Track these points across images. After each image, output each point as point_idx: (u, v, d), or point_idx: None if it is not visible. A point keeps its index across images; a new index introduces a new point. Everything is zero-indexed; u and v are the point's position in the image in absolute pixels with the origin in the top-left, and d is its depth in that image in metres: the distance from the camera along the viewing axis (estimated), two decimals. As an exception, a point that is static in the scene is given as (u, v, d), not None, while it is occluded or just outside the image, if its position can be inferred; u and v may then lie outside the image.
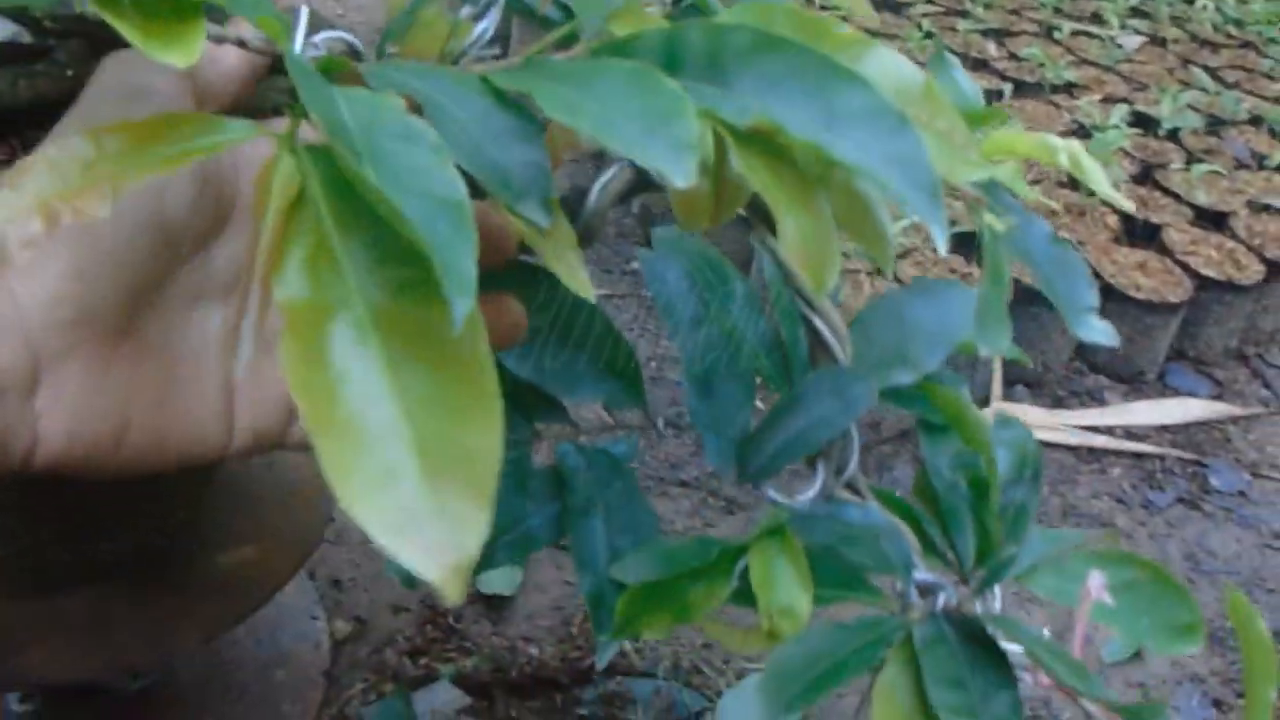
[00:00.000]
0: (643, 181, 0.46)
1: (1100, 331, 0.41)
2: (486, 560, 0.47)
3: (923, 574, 0.42)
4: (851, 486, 0.45)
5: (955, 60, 0.47)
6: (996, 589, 0.42)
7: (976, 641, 0.41)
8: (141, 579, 0.81)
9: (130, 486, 0.71)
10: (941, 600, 0.42)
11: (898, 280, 1.79)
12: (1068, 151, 0.42)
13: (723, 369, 0.46)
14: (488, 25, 0.42)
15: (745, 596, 0.43)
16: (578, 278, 0.32)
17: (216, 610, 0.80)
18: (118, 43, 0.32)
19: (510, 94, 0.34)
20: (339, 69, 0.36)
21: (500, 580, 1.36)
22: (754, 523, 0.46)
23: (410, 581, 0.47)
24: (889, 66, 0.35)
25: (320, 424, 0.27)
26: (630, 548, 0.47)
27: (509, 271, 0.41)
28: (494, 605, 1.34)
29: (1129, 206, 0.48)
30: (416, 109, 0.33)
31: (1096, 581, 0.40)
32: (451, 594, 0.25)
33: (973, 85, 0.46)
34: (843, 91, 0.31)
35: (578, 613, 1.34)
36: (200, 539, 0.85)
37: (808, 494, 0.44)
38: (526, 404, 0.50)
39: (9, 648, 0.76)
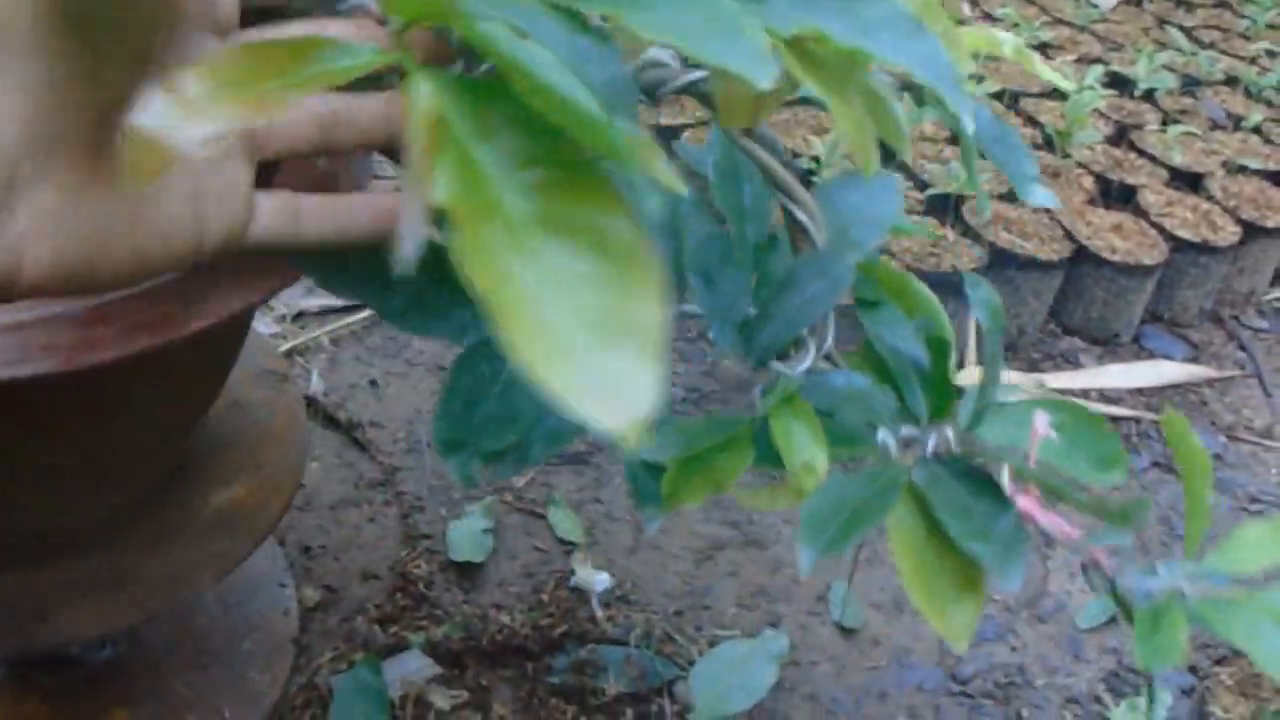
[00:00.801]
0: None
1: (1044, 197, 0.53)
2: (523, 454, 0.56)
3: (907, 428, 0.53)
4: (829, 359, 0.55)
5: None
6: (949, 432, 0.52)
7: (968, 475, 0.50)
8: (150, 530, 0.89)
9: (118, 440, 0.79)
10: (931, 445, 0.52)
11: (888, 253, 1.87)
12: (1012, 44, 0.55)
13: (717, 261, 0.56)
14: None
15: (764, 460, 0.53)
16: (669, 178, 0.39)
17: (222, 548, 0.88)
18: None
19: (582, 17, 0.39)
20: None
21: (471, 547, 1.39)
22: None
23: (469, 479, 0.54)
24: (896, -21, 0.44)
25: (502, 309, 0.31)
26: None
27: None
28: (465, 573, 1.37)
29: (1070, 86, 0.59)
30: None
31: (1042, 421, 0.51)
32: (631, 441, 0.30)
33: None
34: (868, 4, 0.40)
35: (549, 580, 1.38)
36: (191, 485, 0.93)
37: (801, 366, 0.54)
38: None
39: (37, 615, 0.83)
